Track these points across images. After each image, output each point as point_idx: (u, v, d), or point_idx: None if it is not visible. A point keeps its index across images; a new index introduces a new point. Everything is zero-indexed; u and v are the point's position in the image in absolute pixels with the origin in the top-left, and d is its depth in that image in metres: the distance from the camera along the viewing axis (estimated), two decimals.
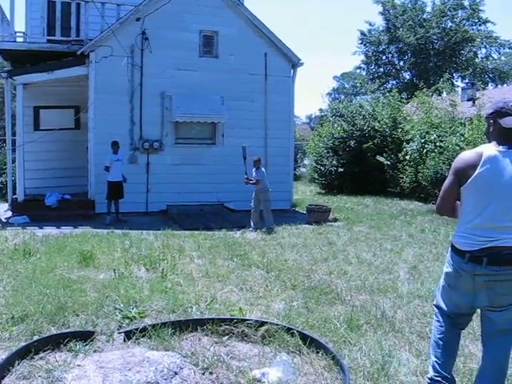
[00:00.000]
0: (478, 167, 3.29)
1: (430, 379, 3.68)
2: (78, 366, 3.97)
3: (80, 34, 14.47)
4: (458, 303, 3.54)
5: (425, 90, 21.18)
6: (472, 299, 3.42)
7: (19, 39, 15.01)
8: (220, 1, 14.70)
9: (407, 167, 17.92)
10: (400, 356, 4.33)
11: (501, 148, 3.32)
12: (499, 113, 3.40)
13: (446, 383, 3.61)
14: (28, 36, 14.85)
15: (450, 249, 3.54)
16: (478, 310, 3.58)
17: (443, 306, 3.65)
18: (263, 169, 12.14)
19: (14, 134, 14.32)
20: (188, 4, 14.41)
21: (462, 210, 3.47)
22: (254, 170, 12.06)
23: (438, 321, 3.72)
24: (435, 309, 3.77)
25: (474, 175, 3.30)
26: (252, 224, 11.98)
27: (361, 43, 44.77)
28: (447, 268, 3.53)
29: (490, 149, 3.34)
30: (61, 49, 13.97)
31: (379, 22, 44.32)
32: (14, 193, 14.20)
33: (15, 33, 14.72)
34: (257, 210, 12.10)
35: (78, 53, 13.73)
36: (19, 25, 56.59)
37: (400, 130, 19.25)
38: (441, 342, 3.68)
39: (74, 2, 14.09)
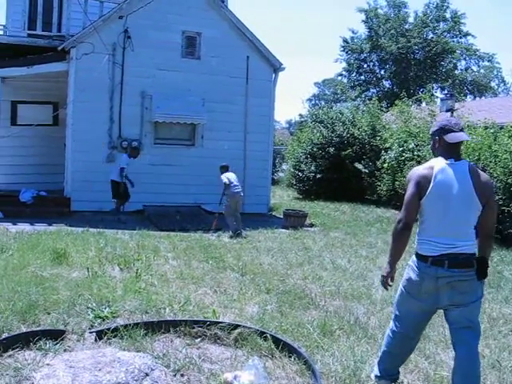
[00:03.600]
0: (432, 180, 3.64)
1: (376, 376, 4.04)
2: (48, 365, 3.91)
3: (61, 30, 14.35)
4: (415, 310, 3.80)
5: (405, 99, 21.33)
6: (435, 299, 3.70)
7: None
8: (204, 2, 14.65)
9: (385, 175, 18.02)
10: (372, 362, 4.34)
11: (448, 161, 3.69)
12: (443, 130, 3.76)
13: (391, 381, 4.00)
14: (8, 29, 14.68)
15: (413, 256, 3.88)
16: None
17: (397, 312, 3.95)
18: (222, 176, 11.94)
19: None
20: (172, 4, 14.35)
21: (422, 219, 3.78)
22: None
23: (392, 329, 3.99)
24: (392, 315, 4.06)
25: (430, 187, 3.64)
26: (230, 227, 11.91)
27: (343, 50, 45.04)
28: (411, 274, 3.81)
29: (440, 162, 3.71)
30: (41, 43, 13.77)
31: (362, 30, 44.74)
32: None
33: None
34: (231, 214, 11.99)
35: (59, 48, 13.56)
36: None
37: (379, 138, 19.35)
38: (391, 348, 3.98)
39: None
